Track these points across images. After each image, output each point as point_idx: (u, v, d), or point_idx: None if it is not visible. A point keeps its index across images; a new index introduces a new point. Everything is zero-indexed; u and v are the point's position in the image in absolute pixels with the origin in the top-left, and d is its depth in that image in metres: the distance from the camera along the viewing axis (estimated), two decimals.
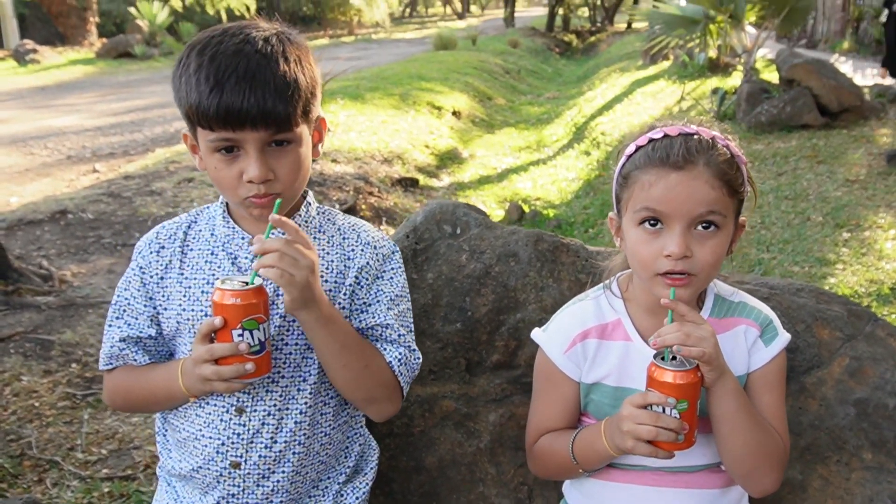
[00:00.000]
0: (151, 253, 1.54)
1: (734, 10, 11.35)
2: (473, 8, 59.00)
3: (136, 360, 1.53)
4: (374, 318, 1.50)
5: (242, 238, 1.50)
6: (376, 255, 1.53)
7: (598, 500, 1.50)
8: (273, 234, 1.35)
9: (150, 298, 1.52)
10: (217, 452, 1.48)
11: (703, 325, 1.30)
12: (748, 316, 1.45)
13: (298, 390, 1.49)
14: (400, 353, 1.51)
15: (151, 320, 1.52)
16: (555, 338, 1.49)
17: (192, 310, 1.48)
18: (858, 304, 1.74)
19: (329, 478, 1.57)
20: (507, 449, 1.71)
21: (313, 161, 1.51)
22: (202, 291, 1.48)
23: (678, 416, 1.25)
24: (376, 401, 1.51)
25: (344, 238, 1.55)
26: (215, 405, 1.49)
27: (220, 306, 1.32)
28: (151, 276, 1.52)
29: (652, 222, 1.33)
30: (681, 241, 1.30)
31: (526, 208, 7.49)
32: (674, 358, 1.28)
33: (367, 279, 1.51)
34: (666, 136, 1.34)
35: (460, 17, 49.20)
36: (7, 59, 22.41)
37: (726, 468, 1.42)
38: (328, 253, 1.52)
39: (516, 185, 8.87)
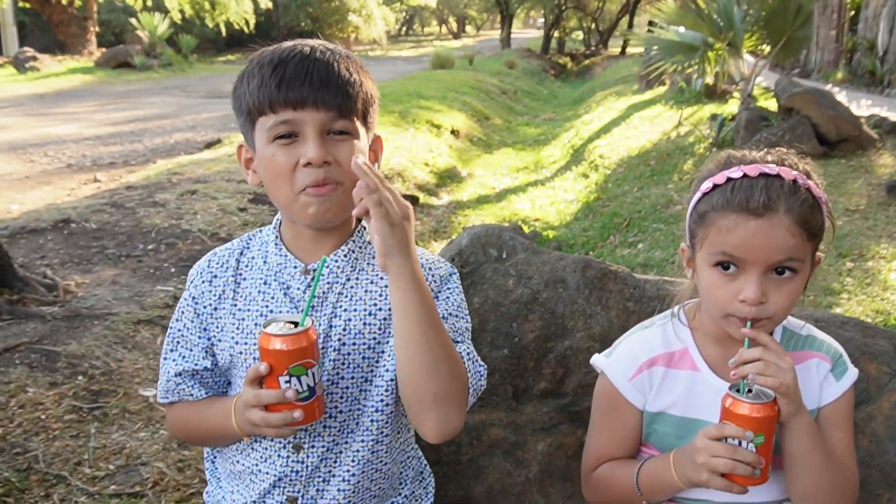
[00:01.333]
0: (204, 282, 1.51)
1: (733, 38, 11.43)
2: (469, 28, 59.35)
3: (192, 394, 1.50)
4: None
5: (295, 267, 1.46)
6: (433, 276, 1.49)
7: None
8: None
9: (205, 329, 1.49)
10: (274, 487, 1.46)
11: (783, 356, 1.29)
12: (819, 349, 1.45)
13: (357, 424, 1.46)
14: (466, 351, 1.44)
15: (206, 352, 1.49)
16: (620, 364, 1.47)
17: (246, 343, 1.46)
18: (872, 325, 1.74)
19: None
20: (555, 479, 1.69)
21: None
22: (255, 324, 1.45)
23: (755, 449, 1.24)
24: (448, 400, 1.36)
25: None
26: (272, 440, 1.46)
27: (266, 352, 1.28)
28: (205, 307, 1.49)
29: (727, 266, 1.31)
30: (756, 287, 1.28)
31: (525, 229, 7.50)
32: (749, 390, 1.27)
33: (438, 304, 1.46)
34: (745, 176, 1.30)
35: (456, 36, 49.53)
36: (6, 66, 22.36)
37: (793, 493, 1.40)
38: (382, 279, 1.47)
39: (515, 205, 8.88)
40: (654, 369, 1.44)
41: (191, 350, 1.49)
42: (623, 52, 34.26)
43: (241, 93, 1.41)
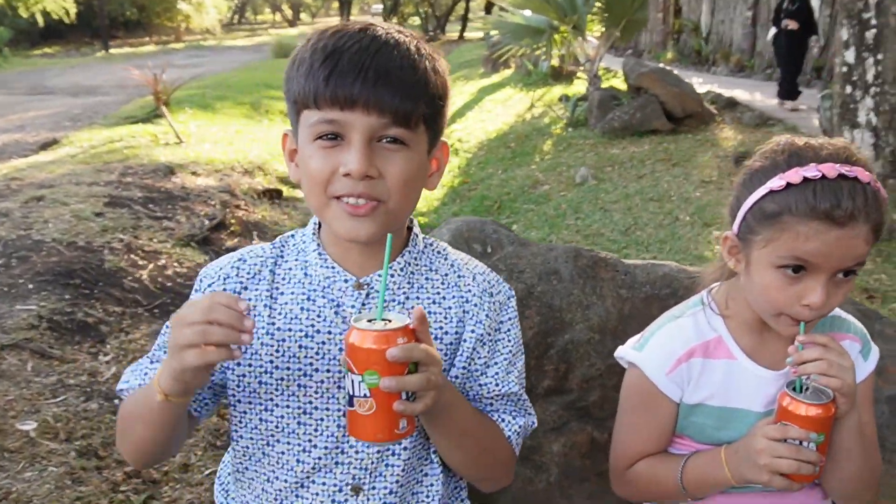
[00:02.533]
0: (232, 292, 1.27)
1: (577, 21, 11.81)
2: (304, 16, 58.29)
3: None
4: (496, 385, 1.32)
5: (346, 281, 1.27)
6: (494, 302, 1.32)
7: None
8: None
9: None
10: None
11: (845, 356, 1.26)
12: (848, 331, 1.43)
13: (427, 460, 1.32)
14: (520, 425, 1.34)
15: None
16: (655, 357, 1.40)
17: (288, 368, 1.25)
18: (863, 305, 1.79)
19: None
20: (573, 481, 1.63)
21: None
22: (300, 346, 1.25)
23: (815, 448, 1.23)
24: (491, 480, 1.36)
25: (460, 277, 1.33)
26: (324, 484, 1.27)
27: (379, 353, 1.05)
28: None
29: (796, 269, 1.25)
30: (824, 293, 1.24)
31: None
32: (805, 388, 1.25)
33: (487, 334, 1.31)
34: (824, 177, 1.22)
35: (291, 24, 48.51)
36: None
37: (828, 489, 1.40)
38: (444, 298, 1.30)
39: None
40: (693, 361, 1.38)
41: None
42: (461, 36, 34.74)
43: (290, 76, 1.21)
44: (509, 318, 1.35)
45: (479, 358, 1.31)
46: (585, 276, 1.66)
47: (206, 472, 3.04)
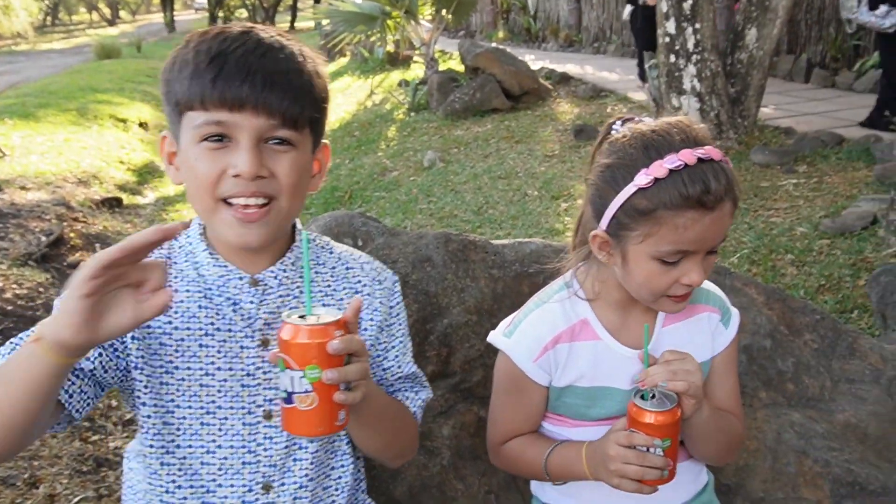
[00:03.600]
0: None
1: (409, 6, 11.87)
2: (123, 14, 55.43)
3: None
4: (398, 368, 1.37)
5: (240, 279, 1.25)
6: (383, 288, 1.37)
7: (575, 493, 1.50)
8: None
9: (113, 350, 1.21)
10: None
11: (687, 359, 1.33)
12: (707, 301, 1.49)
13: (333, 454, 1.34)
14: (423, 399, 1.40)
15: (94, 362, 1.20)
16: (522, 345, 1.42)
17: (189, 368, 1.23)
18: None
19: None
20: (466, 461, 1.65)
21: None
22: (200, 345, 1.23)
23: (662, 453, 1.28)
24: (403, 456, 1.42)
25: (347, 268, 1.36)
26: (232, 486, 1.26)
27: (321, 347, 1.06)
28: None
29: (675, 259, 1.29)
30: (701, 270, 1.29)
31: None
32: (653, 396, 1.30)
33: (384, 320, 1.35)
34: (687, 165, 1.23)
35: (111, 23, 46.07)
36: None
37: (697, 458, 1.49)
38: (335, 290, 1.32)
39: None
40: (559, 347, 1.41)
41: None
42: (292, 26, 34.12)
43: (171, 78, 1.18)
44: (398, 303, 1.40)
45: (380, 343, 1.36)
46: (457, 260, 1.69)
47: (75, 500, 2.89)
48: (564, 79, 11.31)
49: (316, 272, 1.33)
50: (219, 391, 1.24)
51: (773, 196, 5.49)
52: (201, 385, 1.24)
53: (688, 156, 1.23)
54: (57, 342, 0.99)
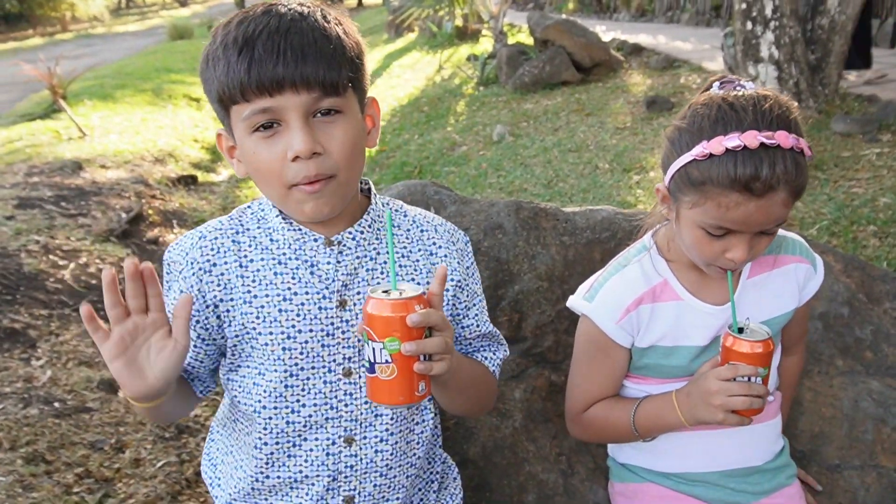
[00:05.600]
0: (201, 272, 1.27)
1: None
2: None
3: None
4: (477, 326, 1.40)
5: (315, 240, 1.28)
6: (458, 249, 1.38)
7: (650, 448, 1.51)
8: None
9: (201, 326, 1.29)
10: (327, 490, 1.33)
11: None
12: (794, 252, 1.50)
13: (416, 410, 1.38)
14: (500, 358, 1.43)
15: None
16: (605, 307, 1.44)
17: (272, 333, 1.27)
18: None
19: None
20: (538, 423, 1.68)
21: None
22: (279, 310, 1.27)
23: (761, 382, 1.31)
24: (483, 411, 1.48)
25: (422, 231, 1.38)
26: (317, 440, 1.31)
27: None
28: (206, 301, 1.27)
29: (719, 233, 1.31)
30: (746, 250, 1.30)
31: None
32: (741, 331, 1.33)
33: (461, 279, 1.37)
34: (745, 148, 1.23)
35: (183, 4, 47.03)
36: None
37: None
38: (412, 252, 1.35)
39: None
40: (641, 308, 1.43)
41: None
42: (360, 3, 34.27)
43: (208, 77, 1.20)
44: (472, 262, 1.42)
45: (460, 303, 1.37)
46: (528, 228, 1.70)
47: (159, 464, 3.01)
48: (636, 50, 11.11)
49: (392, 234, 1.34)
50: (301, 353, 1.27)
51: (855, 166, 5.30)
52: (283, 348, 1.27)
53: (750, 138, 1.23)
54: (131, 397, 1.18)
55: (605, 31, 12.52)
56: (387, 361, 1.09)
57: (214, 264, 1.28)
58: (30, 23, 32.86)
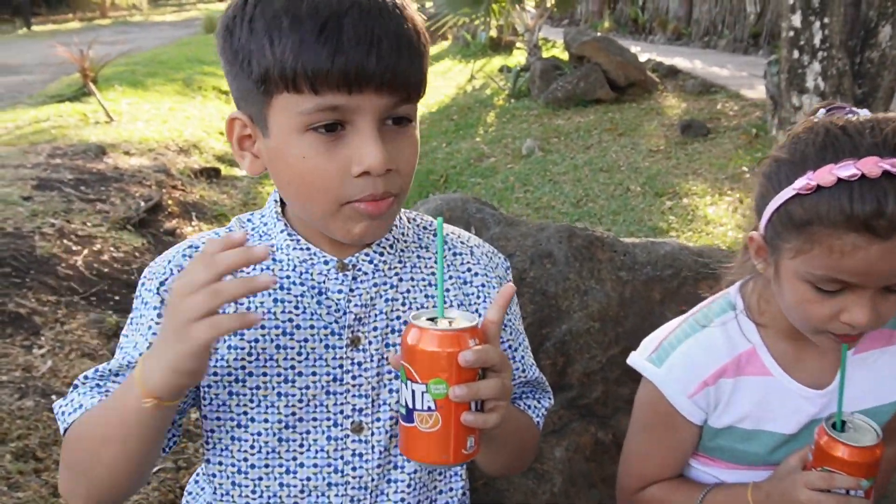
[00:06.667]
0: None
1: None
2: None
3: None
4: (522, 372, 1.17)
5: (325, 262, 1.05)
6: (496, 276, 1.15)
7: None
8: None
9: None
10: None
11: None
12: None
13: (441, 473, 1.17)
14: (546, 408, 1.21)
15: None
16: (676, 377, 1.20)
17: (265, 374, 1.03)
18: None
19: None
20: (580, 489, 1.49)
21: None
22: (276, 346, 1.03)
23: (863, 495, 1.07)
24: (520, 469, 1.25)
25: (455, 253, 1.15)
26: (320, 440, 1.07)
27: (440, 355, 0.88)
28: None
29: (832, 288, 1.05)
30: (869, 312, 1.03)
31: None
32: (843, 425, 1.08)
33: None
34: (864, 177, 0.98)
35: None
36: None
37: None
38: (445, 281, 1.11)
39: None
40: (721, 382, 1.19)
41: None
42: None
43: (250, 47, 0.93)
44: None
45: (502, 342, 1.13)
46: (581, 258, 1.52)
47: (154, 470, 2.85)
48: (672, 72, 10.92)
49: (418, 256, 1.12)
50: (300, 400, 1.05)
51: None
52: (279, 394, 1.04)
53: (870, 165, 0.98)
54: (162, 395, 0.89)
55: (640, 52, 12.31)
56: (430, 409, 0.87)
57: None
58: (70, 7, 33.15)
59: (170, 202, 6.41)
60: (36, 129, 8.05)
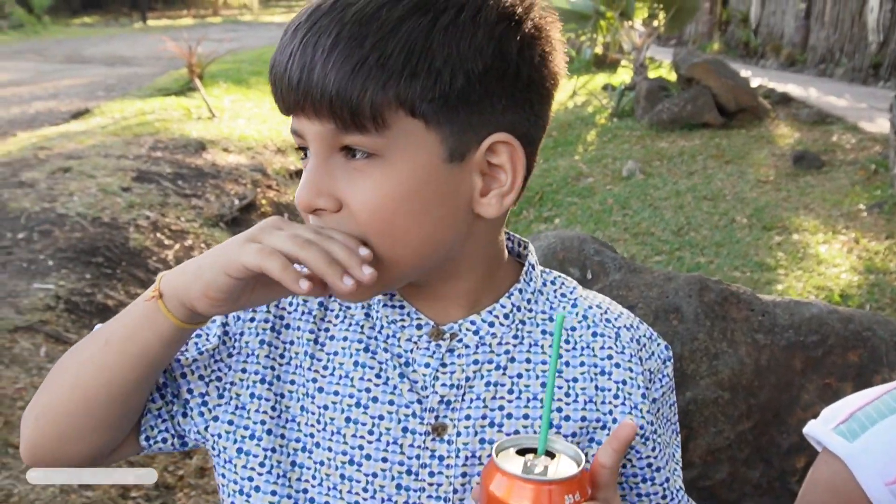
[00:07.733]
0: (264, 331, 0.88)
1: (625, 8, 11.41)
2: None
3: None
4: (662, 498, 0.90)
5: (419, 326, 0.85)
6: (646, 371, 0.89)
7: None
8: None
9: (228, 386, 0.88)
10: None
11: None
12: None
13: None
14: None
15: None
16: (875, 457, 0.98)
17: (329, 449, 0.85)
18: None
19: None
20: None
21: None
22: (346, 419, 0.84)
23: None
24: None
25: (595, 335, 0.89)
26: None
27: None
28: (256, 370, 0.87)
29: None
30: None
31: None
32: None
33: (649, 424, 0.88)
34: None
35: None
36: None
37: None
38: (569, 367, 0.87)
39: None
40: None
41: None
42: None
43: None
44: (669, 388, 0.94)
45: (641, 459, 0.88)
46: (713, 316, 1.32)
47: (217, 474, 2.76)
48: (784, 99, 10.46)
49: (542, 331, 0.88)
50: (364, 489, 0.85)
51: None
52: (342, 476, 0.85)
53: None
54: (184, 307, 0.77)
55: (751, 77, 11.85)
56: None
57: (287, 325, 0.89)
58: (185, 3, 34.51)
59: (263, 202, 6.44)
60: (141, 121, 8.26)
